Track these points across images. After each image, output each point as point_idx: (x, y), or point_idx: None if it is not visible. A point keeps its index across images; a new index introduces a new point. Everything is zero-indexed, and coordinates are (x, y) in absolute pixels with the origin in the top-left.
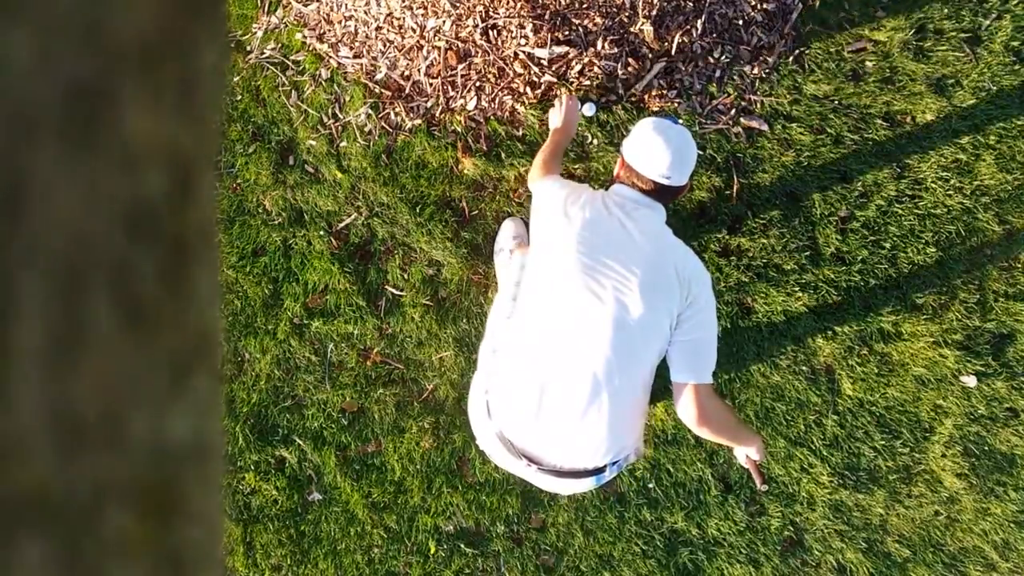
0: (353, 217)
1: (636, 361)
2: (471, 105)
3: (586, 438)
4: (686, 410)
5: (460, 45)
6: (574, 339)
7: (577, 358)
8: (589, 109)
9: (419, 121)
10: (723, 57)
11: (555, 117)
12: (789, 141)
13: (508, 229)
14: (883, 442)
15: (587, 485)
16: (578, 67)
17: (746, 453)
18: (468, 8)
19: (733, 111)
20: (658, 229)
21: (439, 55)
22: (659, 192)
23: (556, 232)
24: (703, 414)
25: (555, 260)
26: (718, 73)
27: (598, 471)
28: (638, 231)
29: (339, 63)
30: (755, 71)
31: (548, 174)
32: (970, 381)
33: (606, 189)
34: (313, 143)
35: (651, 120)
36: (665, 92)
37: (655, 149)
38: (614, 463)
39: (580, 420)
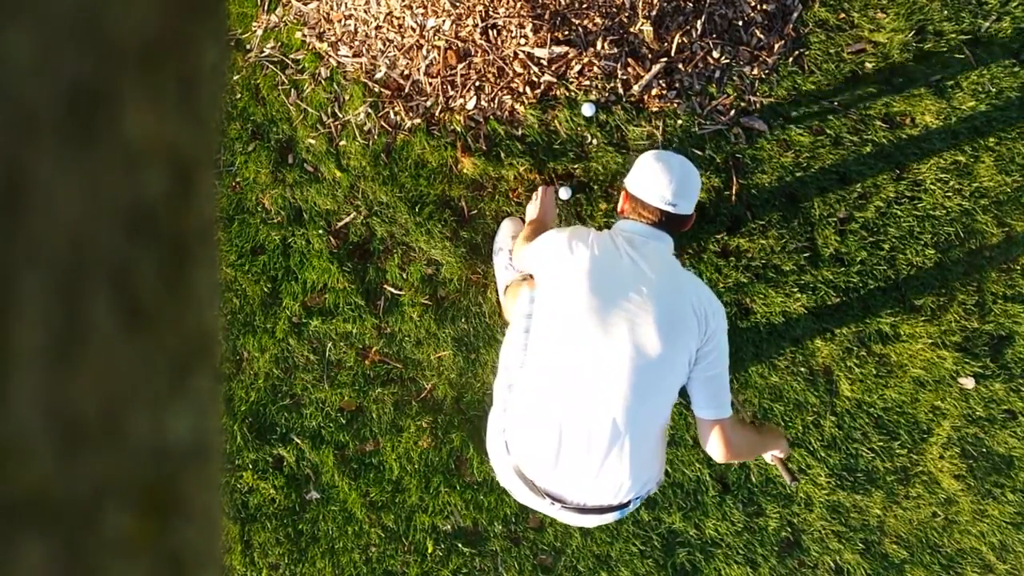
0: (352, 216)
1: (656, 403)
2: (471, 105)
3: (608, 480)
4: (714, 447)
5: (460, 44)
6: (591, 383)
7: (595, 403)
8: (588, 109)
9: (418, 120)
10: (723, 58)
11: (531, 208)
12: (788, 142)
13: (507, 228)
14: (881, 443)
15: (612, 518)
16: (577, 67)
17: (772, 453)
18: (468, 7)
19: (732, 112)
20: (669, 262)
21: (439, 54)
22: (666, 222)
23: (565, 272)
24: (730, 449)
25: (567, 302)
26: (718, 74)
27: (622, 506)
28: (649, 267)
29: (339, 62)
30: (754, 72)
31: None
32: (968, 383)
33: (610, 227)
34: (312, 142)
35: (651, 151)
36: (665, 92)
37: (658, 176)
38: (637, 497)
39: (601, 464)
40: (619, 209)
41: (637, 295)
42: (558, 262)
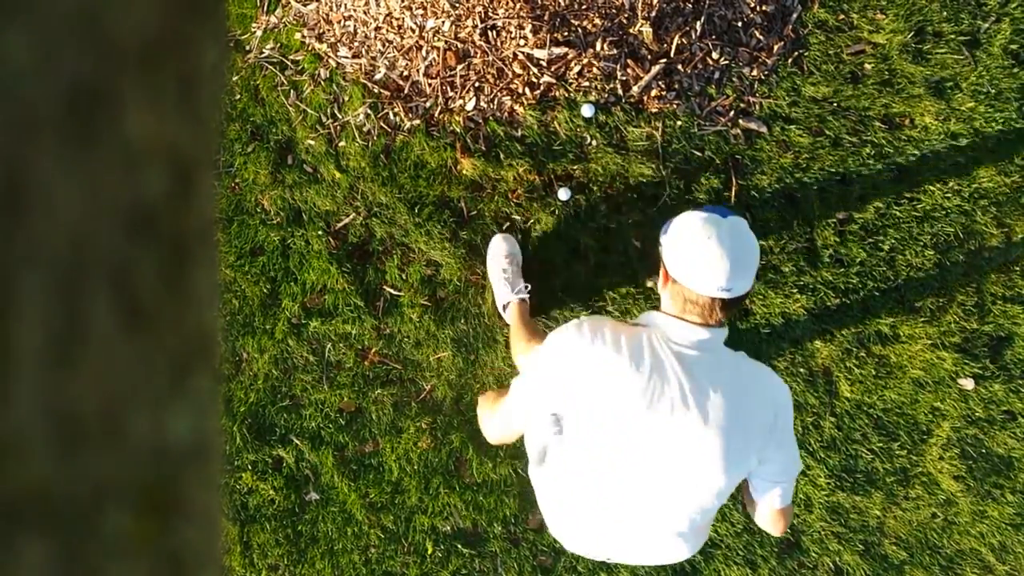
0: (351, 217)
1: (709, 522)
2: (470, 105)
3: (665, 561)
4: (775, 528)
5: (459, 46)
6: (643, 510)
7: (649, 523)
8: (588, 111)
9: (418, 121)
10: (722, 59)
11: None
12: (788, 143)
13: (499, 248)
14: (880, 444)
15: None
16: (577, 68)
17: None
18: (467, 9)
19: (732, 113)
20: (728, 374)
21: (438, 55)
22: (720, 309)
23: (598, 395)
24: (786, 528)
25: (605, 435)
26: (717, 75)
27: None
28: (707, 397)
29: (338, 63)
30: (754, 73)
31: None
32: (968, 384)
33: (641, 316)
34: (312, 143)
35: (696, 216)
36: (664, 93)
37: (708, 258)
38: None
39: (657, 557)
40: (659, 287)
41: (695, 436)
42: (595, 386)
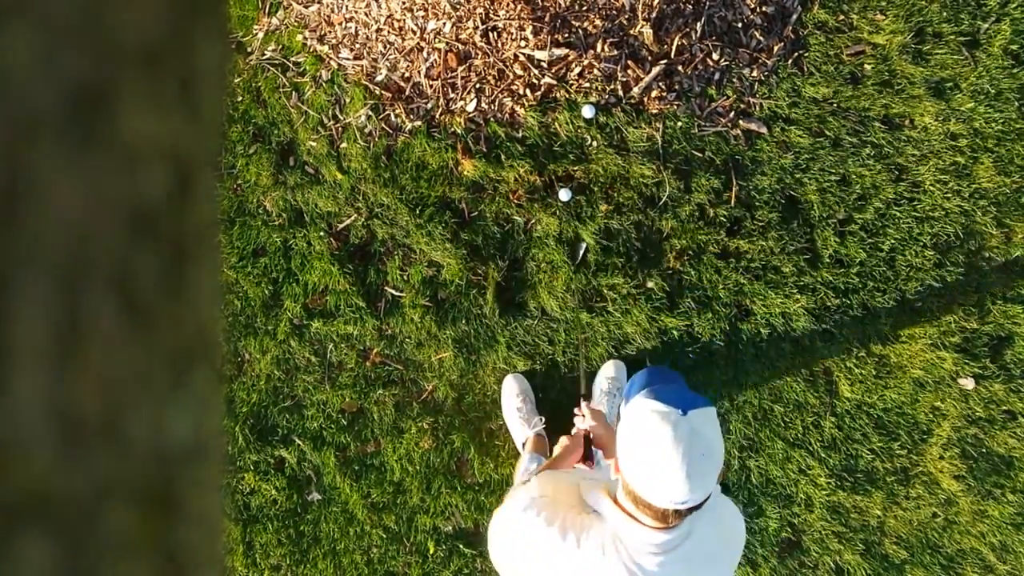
0: (353, 218)
1: None
2: (471, 107)
3: None
4: None
5: (460, 47)
6: None
7: None
8: (588, 112)
9: (419, 123)
10: (722, 60)
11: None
12: (788, 144)
13: (510, 388)
14: (881, 444)
15: None
16: (578, 69)
17: None
18: (468, 10)
19: (732, 113)
20: (692, 559)
21: (439, 57)
22: (673, 516)
23: None
24: None
25: None
26: (717, 76)
27: None
28: None
29: (339, 64)
30: (754, 74)
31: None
32: (968, 383)
33: (600, 511)
34: (313, 144)
35: (651, 411)
36: (664, 94)
37: (660, 468)
38: None
39: None
40: (611, 474)
41: None
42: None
